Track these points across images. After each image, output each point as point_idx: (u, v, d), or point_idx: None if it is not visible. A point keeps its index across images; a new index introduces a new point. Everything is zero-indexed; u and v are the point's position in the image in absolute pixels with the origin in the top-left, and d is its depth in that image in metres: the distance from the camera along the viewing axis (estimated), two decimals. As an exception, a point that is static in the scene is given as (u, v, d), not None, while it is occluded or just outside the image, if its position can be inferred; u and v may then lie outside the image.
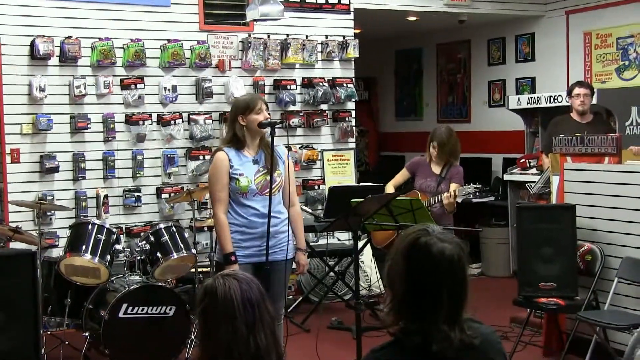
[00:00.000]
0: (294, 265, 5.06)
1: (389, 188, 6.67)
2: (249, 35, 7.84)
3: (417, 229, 2.43)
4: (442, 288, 2.34)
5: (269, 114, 4.95)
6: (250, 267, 4.65)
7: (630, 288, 5.51)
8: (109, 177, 7.23)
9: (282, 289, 4.94)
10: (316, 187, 8.22)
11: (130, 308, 5.76)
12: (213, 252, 6.21)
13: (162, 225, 6.38)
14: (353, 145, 8.54)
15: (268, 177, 4.79)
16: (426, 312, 2.33)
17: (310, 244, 7.62)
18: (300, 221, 5.09)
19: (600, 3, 8.90)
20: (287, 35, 8.01)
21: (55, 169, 6.97)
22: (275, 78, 8.00)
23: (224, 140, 5.01)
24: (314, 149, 8.19)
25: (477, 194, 6.41)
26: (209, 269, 6.52)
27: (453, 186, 6.44)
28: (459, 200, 6.38)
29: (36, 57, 6.89)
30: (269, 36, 7.93)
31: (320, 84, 8.13)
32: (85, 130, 7.12)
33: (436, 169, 6.58)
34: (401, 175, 6.80)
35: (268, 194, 4.74)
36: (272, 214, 4.71)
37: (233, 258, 4.71)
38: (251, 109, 4.79)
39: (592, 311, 5.58)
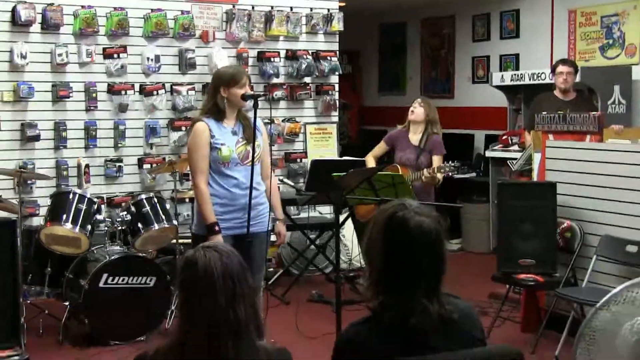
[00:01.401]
0: (272, 237, 5.08)
1: (369, 160, 6.70)
2: (233, 7, 7.79)
3: (394, 204, 2.44)
4: (420, 262, 2.35)
5: (252, 88, 4.92)
6: (230, 239, 4.62)
7: (608, 265, 5.56)
8: (91, 146, 7.19)
9: (262, 261, 4.95)
10: (298, 160, 8.22)
11: (111, 278, 5.77)
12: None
13: (143, 196, 6.37)
14: (336, 119, 8.53)
15: (248, 147, 4.77)
16: (404, 286, 2.35)
17: (292, 217, 7.64)
18: (278, 193, 5.10)
19: (586, -19, 8.90)
20: (272, 7, 7.97)
21: (36, 138, 6.92)
22: (259, 50, 7.96)
23: (202, 110, 4.97)
24: (297, 122, 8.18)
25: (456, 172, 6.44)
26: (190, 240, 6.51)
27: (435, 159, 6.46)
28: (440, 177, 6.40)
29: (18, 24, 6.81)
30: (253, 8, 7.87)
31: (304, 56, 8.10)
32: (67, 99, 7.06)
33: (415, 140, 6.58)
34: (379, 148, 6.83)
35: (249, 164, 4.73)
36: (253, 186, 4.70)
37: (217, 228, 4.70)
38: (234, 82, 4.76)
39: (570, 288, 5.62)
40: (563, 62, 7.38)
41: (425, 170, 6.35)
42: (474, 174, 9.63)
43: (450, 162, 6.36)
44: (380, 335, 2.37)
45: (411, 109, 6.64)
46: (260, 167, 4.90)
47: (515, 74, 8.96)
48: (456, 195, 9.41)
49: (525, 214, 5.93)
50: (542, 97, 7.43)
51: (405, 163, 6.52)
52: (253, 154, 4.71)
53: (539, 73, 8.48)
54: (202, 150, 4.75)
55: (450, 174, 6.41)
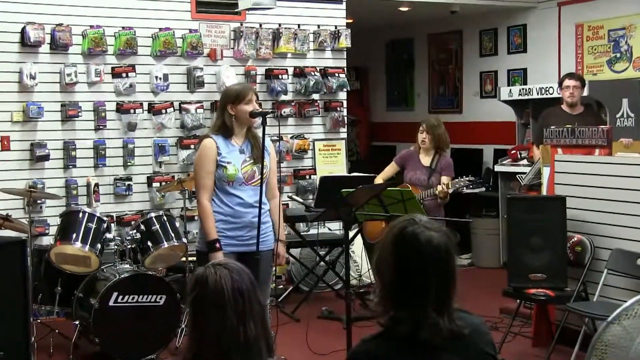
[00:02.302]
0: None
1: (379, 182, 6.67)
2: (241, 25, 7.82)
3: (404, 219, 2.44)
4: (430, 277, 2.34)
5: (260, 105, 4.93)
6: (233, 256, 4.60)
7: (619, 279, 5.53)
8: (100, 165, 7.21)
9: (268, 279, 4.94)
10: (307, 176, 8.22)
11: (121, 297, 5.77)
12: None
13: (152, 214, 6.38)
14: (344, 135, 8.54)
15: (255, 167, 4.78)
16: (415, 301, 2.34)
17: (301, 233, 7.64)
18: (280, 213, 5.08)
19: (593, -5, 8.91)
20: (279, 25, 8.00)
21: (46, 157, 6.95)
22: (267, 67, 7.99)
23: (212, 128, 4.99)
24: (305, 138, 8.19)
25: (470, 186, 6.44)
26: (196, 255, 6.51)
27: (444, 179, 6.47)
28: (450, 191, 6.41)
29: (27, 45, 6.85)
30: (261, 25, 7.90)
31: (312, 73, 8.12)
32: (76, 119, 7.09)
33: (426, 161, 6.60)
34: (390, 168, 6.81)
35: (253, 184, 4.74)
36: (256, 205, 4.69)
37: (218, 245, 4.70)
38: (241, 99, 4.77)
39: (581, 302, 5.59)
40: (570, 76, 7.38)
41: (439, 187, 6.35)
42: (483, 189, 9.61)
43: (464, 177, 6.38)
44: (391, 350, 2.36)
45: (420, 137, 6.62)
46: (266, 187, 4.89)
47: (523, 89, 8.96)
48: (465, 210, 9.40)
49: (535, 228, 5.91)
50: (550, 111, 7.43)
51: (415, 183, 6.53)
52: (262, 174, 4.71)
53: (547, 87, 8.48)
54: (208, 167, 4.76)
55: (465, 188, 6.41)
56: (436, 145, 6.59)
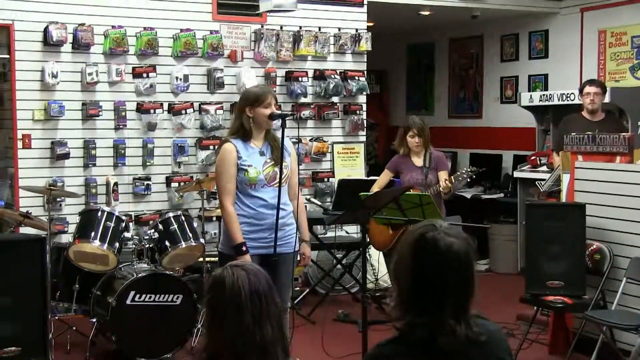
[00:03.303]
0: (298, 257, 5.07)
1: (375, 190, 6.60)
2: (262, 27, 7.84)
3: (424, 224, 2.43)
4: (448, 283, 2.34)
5: (279, 108, 4.92)
6: (257, 258, 4.63)
7: (638, 288, 5.49)
8: (119, 164, 7.25)
9: (288, 281, 4.94)
10: (326, 179, 8.23)
11: (138, 296, 5.79)
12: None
13: (171, 214, 6.39)
14: (363, 139, 8.54)
15: (276, 169, 4.78)
16: (432, 307, 2.33)
17: (319, 236, 7.63)
18: (304, 213, 5.09)
19: (616, 1, 8.86)
20: (300, 27, 8.01)
21: (66, 156, 6.99)
22: (287, 70, 8.00)
23: (230, 131, 4.99)
24: (324, 141, 8.19)
25: (473, 176, 6.43)
26: (217, 258, 6.53)
27: (442, 174, 6.47)
28: (458, 184, 6.41)
29: (49, 44, 6.91)
30: (281, 27, 7.92)
31: (332, 76, 8.12)
32: (97, 118, 7.14)
33: (418, 161, 6.59)
34: (385, 176, 6.79)
35: (275, 186, 4.75)
36: (280, 206, 4.71)
37: (244, 248, 4.69)
38: (260, 102, 4.77)
39: (599, 310, 5.56)
40: (591, 82, 7.34)
41: (441, 182, 6.35)
42: (501, 195, 9.58)
43: (466, 169, 6.39)
44: (407, 356, 2.35)
45: (412, 141, 6.59)
46: (288, 188, 4.90)
47: (544, 95, 8.91)
48: (484, 216, 9.37)
49: (554, 235, 5.88)
50: (570, 118, 7.40)
51: (414, 184, 6.50)
52: (281, 175, 4.71)
53: (568, 94, 8.43)
54: (229, 171, 4.76)
55: (468, 179, 6.41)
56: (425, 145, 6.59)
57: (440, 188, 6.34)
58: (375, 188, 6.61)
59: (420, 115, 11.45)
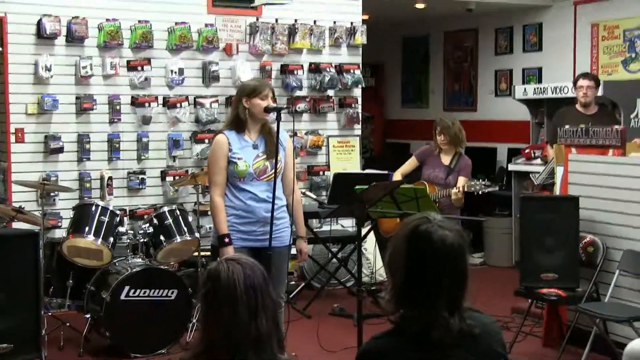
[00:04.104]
0: (292, 251, 5.06)
1: (397, 176, 6.70)
2: (257, 20, 7.83)
3: (418, 217, 2.43)
4: (442, 276, 2.34)
5: (275, 101, 4.93)
6: (245, 251, 4.61)
7: (631, 281, 5.52)
8: (114, 158, 7.24)
9: (281, 276, 4.92)
10: (321, 173, 8.23)
11: (132, 291, 5.78)
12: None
13: (165, 209, 6.39)
14: (359, 132, 8.53)
15: (267, 163, 4.78)
16: (426, 299, 2.34)
17: (314, 230, 7.64)
18: (300, 208, 5.08)
19: (608, -6, 8.87)
20: (295, 20, 7.99)
21: (60, 150, 6.97)
22: (282, 63, 7.99)
23: (225, 122, 5.00)
24: (320, 134, 8.19)
25: (485, 191, 6.45)
26: (210, 249, 6.52)
27: (461, 180, 6.48)
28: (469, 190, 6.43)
29: (43, 37, 6.88)
30: (277, 21, 7.90)
31: (327, 69, 8.11)
32: (91, 112, 7.12)
33: (445, 160, 6.63)
34: (409, 164, 6.84)
35: (265, 179, 4.75)
36: (269, 200, 4.69)
37: (227, 240, 4.71)
38: (257, 93, 4.77)
39: (592, 303, 5.58)
40: (584, 76, 7.36)
41: (454, 189, 6.37)
42: (496, 188, 9.55)
43: (480, 180, 6.41)
44: (402, 349, 2.36)
45: (439, 139, 6.63)
46: (283, 182, 4.90)
47: (538, 88, 8.93)
48: (478, 209, 9.37)
49: (548, 228, 5.89)
50: (564, 110, 7.42)
51: (433, 180, 6.56)
52: (275, 168, 4.71)
53: (561, 86, 8.45)
54: (219, 163, 4.77)
55: (480, 192, 6.42)
56: (454, 144, 6.60)
57: (452, 196, 6.36)
58: (398, 174, 6.69)
59: (417, 109, 11.63)
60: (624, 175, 5.66)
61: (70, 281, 6.03)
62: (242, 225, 4.78)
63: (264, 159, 4.80)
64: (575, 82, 7.34)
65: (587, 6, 9.15)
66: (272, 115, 4.81)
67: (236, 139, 4.80)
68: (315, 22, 8.10)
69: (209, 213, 7.19)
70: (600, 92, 7.43)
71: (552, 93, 8.58)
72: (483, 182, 6.41)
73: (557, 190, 6.35)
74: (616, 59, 8.82)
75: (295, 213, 4.98)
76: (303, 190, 7.73)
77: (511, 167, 9.13)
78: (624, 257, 5.53)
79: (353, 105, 8.37)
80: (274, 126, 4.83)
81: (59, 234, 6.70)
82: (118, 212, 6.30)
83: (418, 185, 6.28)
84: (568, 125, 6.31)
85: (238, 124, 4.81)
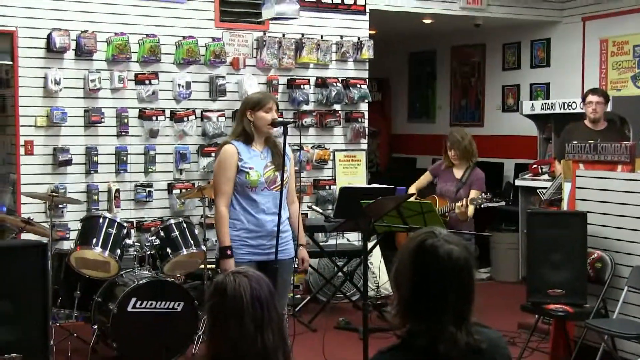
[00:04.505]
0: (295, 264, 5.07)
1: (412, 190, 6.71)
2: (264, 34, 7.86)
3: (424, 231, 2.43)
4: (448, 290, 2.34)
5: (281, 115, 4.94)
6: (254, 265, 4.62)
7: (639, 297, 5.49)
8: (121, 171, 7.26)
9: (285, 289, 4.94)
10: (327, 187, 8.23)
11: (139, 302, 5.79)
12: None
13: (172, 221, 6.40)
14: (365, 146, 8.54)
15: (276, 173, 4.80)
16: (433, 314, 2.34)
17: (320, 243, 7.63)
18: (300, 217, 5.07)
19: (618, 10, 8.87)
20: (302, 35, 8.02)
21: (68, 162, 7.00)
22: (289, 77, 8.01)
23: (232, 134, 5.01)
24: (326, 149, 8.20)
25: (488, 203, 6.44)
26: (216, 260, 6.51)
27: (472, 193, 6.50)
28: (470, 213, 6.43)
29: (52, 50, 6.92)
30: (284, 35, 7.93)
31: (334, 84, 8.13)
32: (99, 125, 7.15)
33: (458, 173, 6.66)
34: (424, 178, 6.91)
35: (274, 189, 4.77)
36: (277, 212, 4.71)
37: (229, 252, 4.73)
38: (261, 106, 4.79)
39: (600, 319, 5.55)
40: (593, 91, 7.35)
41: (458, 202, 6.38)
42: (503, 203, 9.54)
43: (482, 195, 6.41)
44: (408, 363, 2.36)
45: (450, 153, 6.67)
46: (287, 192, 4.91)
47: (545, 103, 8.92)
48: (485, 224, 9.36)
49: (555, 243, 5.87)
50: (572, 126, 7.40)
51: (444, 194, 6.60)
52: (282, 181, 4.72)
53: (569, 102, 8.44)
54: (228, 173, 4.77)
55: (483, 205, 6.42)
56: (465, 157, 6.62)
57: (457, 210, 6.38)
58: (413, 188, 6.71)
59: (423, 124, 11.63)
60: (633, 191, 5.64)
61: (78, 292, 6.03)
62: (252, 240, 4.79)
63: (272, 169, 4.81)
64: (584, 98, 7.33)
65: (596, 22, 9.15)
66: (278, 129, 4.83)
67: (245, 149, 4.81)
68: (322, 36, 8.13)
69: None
70: (609, 108, 7.42)
71: (560, 109, 8.58)
72: (485, 196, 6.40)
73: (564, 206, 6.34)
74: (625, 74, 8.82)
75: (295, 222, 4.99)
76: (309, 204, 7.75)
77: (518, 183, 9.11)
78: (632, 273, 5.51)
79: (359, 120, 8.38)
80: (278, 139, 4.84)
81: (67, 245, 6.72)
82: (125, 224, 6.31)
83: (429, 200, 6.30)
84: (576, 141, 6.30)
85: (245, 136, 4.83)
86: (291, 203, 4.99)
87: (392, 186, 6.84)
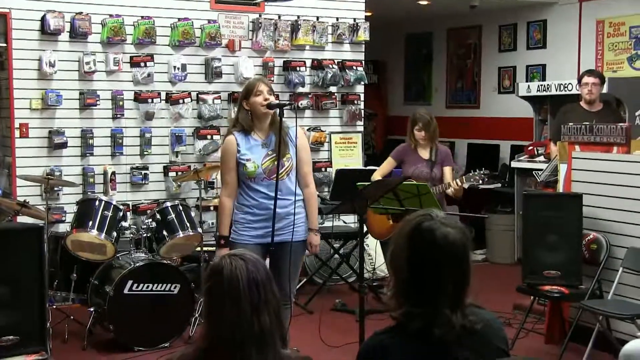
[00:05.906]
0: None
1: (376, 177, 6.59)
2: (260, 16, 7.82)
3: (420, 214, 2.44)
4: (444, 273, 2.35)
5: (275, 96, 4.94)
6: (259, 247, 4.67)
7: (634, 278, 5.51)
8: (117, 154, 7.25)
9: (295, 271, 4.92)
10: (323, 169, 8.22)
11: (135, 285, 5.81)
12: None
13: (168, 204, 6.41)
14: (361, 129, 8.53)
15: (277, 162, 4.78)
16: (428, 296, 2.35)
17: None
18: (314, 202, 5.05)
19: (614, -9, 8.85)
20: (298, 17, 7.99)
21: (64, 145, 6.98)
22: (285, 59, 7.99)
23: (231, 123, 5.04)
24: (322, 131, 8.19)
25: (485, 179, 6.43)
26: (215, 248, 6.53)
27: (447, 170, 6.48)
28: (466, 186, 6.41)
29: (47, 33, 6.89)
30: (279, 17, 7.90)
31: (330, 66, 8.11)
32: (94, 107, 7.13)
33: (424, 154, 6.59)
34: (388, 164, 6.75)
35: (275, 179, 4.76)
36: (282, 197, 4.73)
37: (222, 242, 4.79)
38: (251, 92, 4.79)
39: (595, 300, 5.57)
40: (589, 73, 7.34)
41: (452, 182, 6.36)
42: (499, 185, 9.58)
43: (479, 170, 6.38)
44: (404, 345, 2.37)
45: (419, 135, 6.61)
46: (299, 176, 4.90)
47: (541, 85, 8.92)
48: (481, 206, 9.38)
49: (551, 225, 5.89)
50: (568, 108, 7.40)
51: (418, 176, 6.46)
52: (277, 168, 4.71)
53: (565, 84, 8.44)
54: (228, 164, 4.83)
55: (480, 182, 6.42)
56: (431, 138, 6.60)
57: (450, 192, 6.36)
58: (377, 175, 6.61)
59: (420, 106, 11.60)
60: (628, 172, 5.65)
61: (74, 275, 6.06)
62: (256, 223, 4.80)
63: (273, 159, 4.79)
64: (580, 79, 7.32)
65: (593, 3, 9.13)
66: (276, 111, 4.83)
67: (244, 139, 4.81)
68: (318, 18, 8.10)
69: (212, 209, 7.29)
70: (605, 90, 7.41)
71: (556, 90, 8.57)
72: (481, 172, 6.36)
73: (560, 188, 6.34)
74: (622, 56, 8.81)
75: (309, 206, 4.98)
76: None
77: (514, 164, 9.12)
78: (627, 254, 5.53)
79: (355, 102, 8.37)
80: (291, 127, 4.86)
81: (63, 228, 6.73)
82: (121, 207, 6.31)
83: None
84: (572, 123, 6.30)
85: (244, 125, 4.83)
86: (305, 187, 4.96)
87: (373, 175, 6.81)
